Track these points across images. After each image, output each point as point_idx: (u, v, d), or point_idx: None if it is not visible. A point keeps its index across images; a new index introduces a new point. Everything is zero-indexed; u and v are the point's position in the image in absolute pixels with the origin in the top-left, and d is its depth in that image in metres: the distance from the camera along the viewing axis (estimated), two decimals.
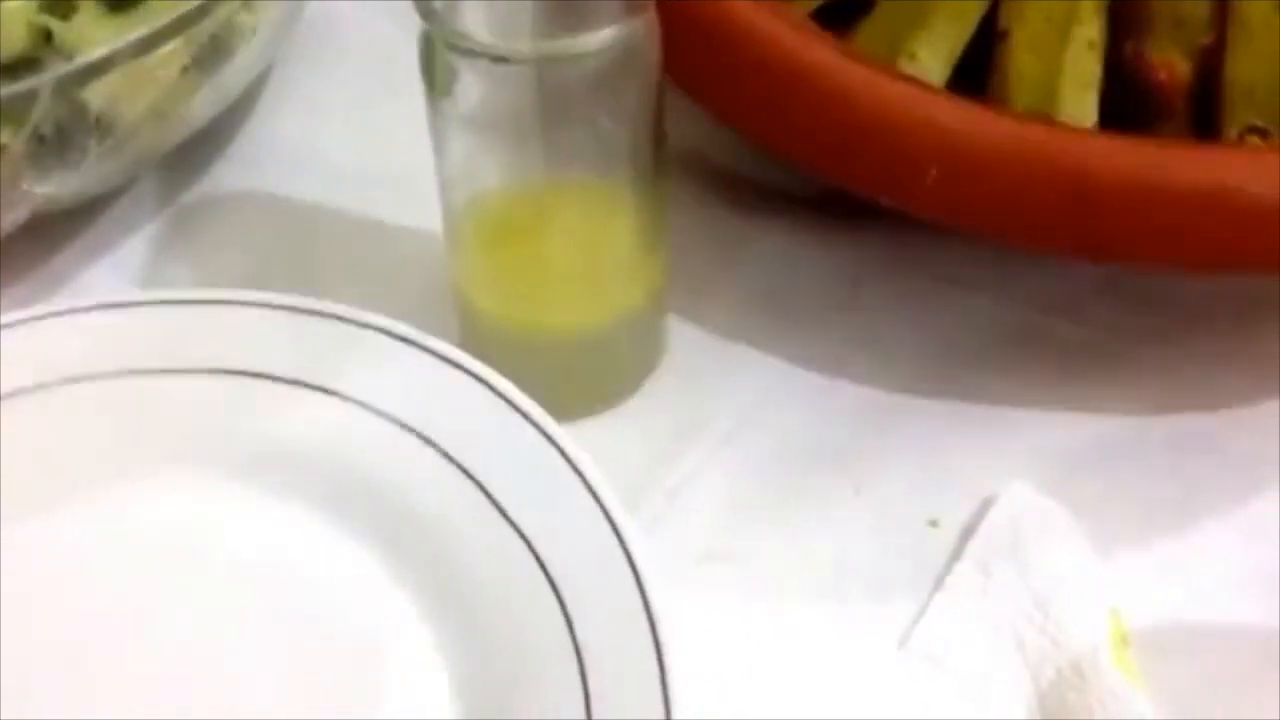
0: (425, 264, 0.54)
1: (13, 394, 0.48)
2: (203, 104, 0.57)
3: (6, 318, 0.50)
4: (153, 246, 0.59)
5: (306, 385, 0.48)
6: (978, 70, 0.54)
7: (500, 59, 0.44)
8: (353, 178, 0.60)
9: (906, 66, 0.53)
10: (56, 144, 0.51)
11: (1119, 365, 0.54)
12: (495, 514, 0.45)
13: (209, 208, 0.60)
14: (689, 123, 0.54)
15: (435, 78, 0.45)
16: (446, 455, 0.46)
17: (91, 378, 0.49)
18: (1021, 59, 0.52)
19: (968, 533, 0.49)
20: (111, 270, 0.58)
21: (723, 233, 0.58)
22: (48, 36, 0.51)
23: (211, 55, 0.54)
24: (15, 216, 0.52)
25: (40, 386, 0.49)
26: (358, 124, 0.63)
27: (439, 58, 0.45)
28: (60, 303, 0.52)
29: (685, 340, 0.55)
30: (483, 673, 0.43)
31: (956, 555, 0.48)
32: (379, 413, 0.47)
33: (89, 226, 0.59)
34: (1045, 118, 0.51)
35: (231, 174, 0.62)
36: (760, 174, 0.59)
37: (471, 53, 0.44)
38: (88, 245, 0.59)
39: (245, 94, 0.61)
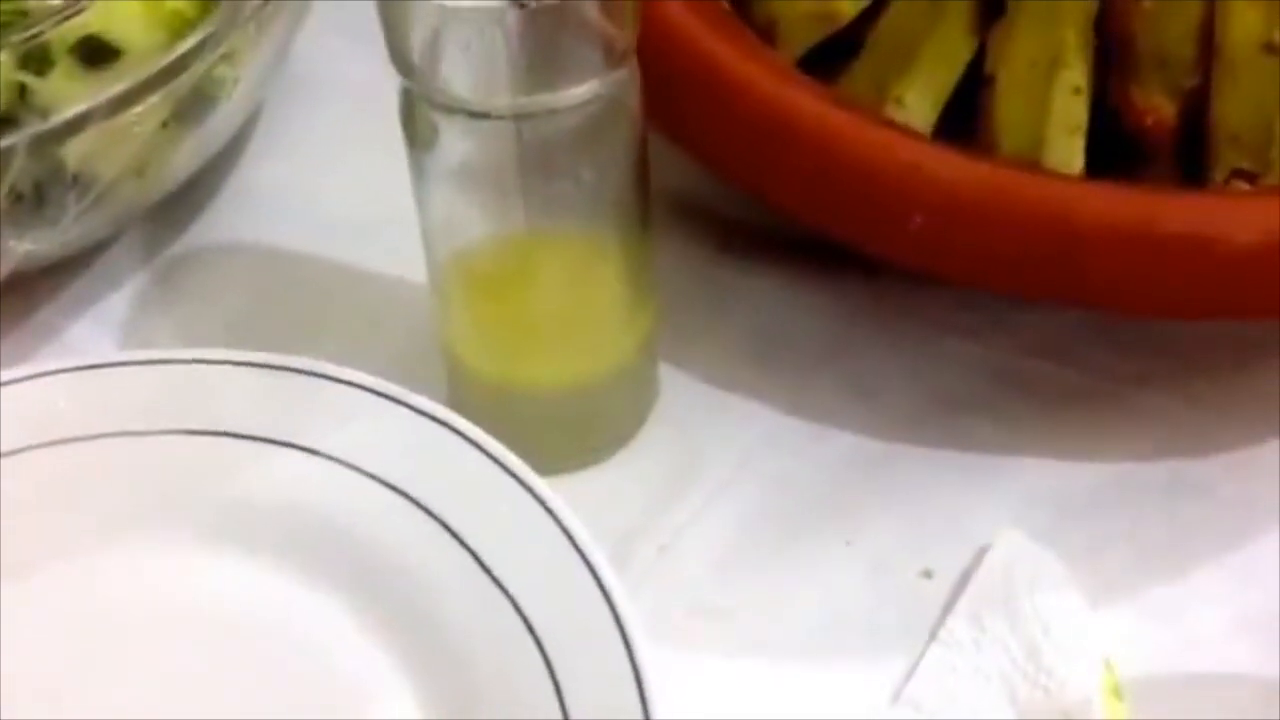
0: (414, 316, 0.53)
1: None
2: (184, 158, 0.56)
3: None
4: (137, 301, 0.58)
5: (288, 445, 0.48)
6: (966, 114, 0.53)
7: (480, 114, 0.43)
8: (340, 228, 0.60)
9: (893, 111, 0.53)
10: (35, 202, 0.51)
11: (1112, 410, 0.53)
12: (481, 573, 0.45)
13: (194, 260, 0.60)
14: (677, 168, 0.53)
15: (416, 132, 0.45)
16: (431, 514, 0.46)
17: (72, 440, 0.48)
18: (1007, 104, 0.52)
19: (961, 584, 0.48)
20: (95, 325, 0.58)
21: (712, 279, 0.58)
22: (23, 93, 0.50)
23: (192, 109, 0.54)
24: None
25: (22, 449, 0.48)
26: (345, 173, 0.63)
27: (419, 113, 0.45)
28: (40, 364, 0.51)
29: (676, 388, 0.54)
30: None
31: (949, 607, 0.48)
32: (363, 471, 0.47)
33: (73, 281, 0.59)
34: (1031, 164, 0.51)
35: (217, 225, 0.61)
36: (750, 219, 0.58)
37: (451, 108, 0.43)
38: (71, 300, 0.58)
39: (230, 144, 0.61)
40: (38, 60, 0.51)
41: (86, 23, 0.51)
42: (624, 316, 0.50)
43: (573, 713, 0.42)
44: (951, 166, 0.48)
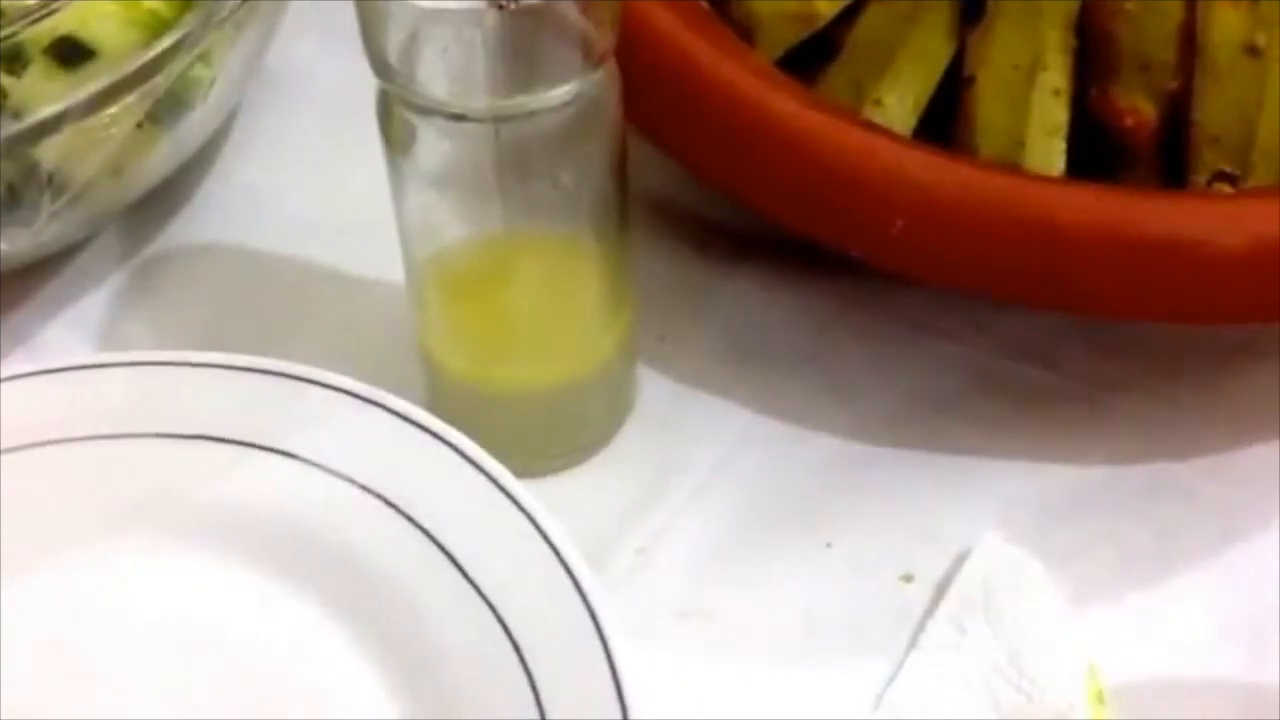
0: (392, 318, 0.53)
1: None
2: (160, 159, 0.56)
3: None
4: (113, 302, 0.58)
5: (264, 447, 0.47)
6: (945, 116, 0.53)
7: (458, 116, 0.43)
8: (318, 229, 0.60)
9: (872, 113, 0.52)
10: (8, 203, 0.50)
11: (1093, 413, 0.53)
12: (458, 576, 0.44)
13: (171, 261, 0.60)
14: (656, 169, 0.53)
15: (393, 135, 0.45)
16: (407, 517, 0.46)
17: (46, 444, 0.48)
18: (988, 106, 0.51)
19: (942, 588, 0.48)
20: (70, 327, 0.57)
21: (691, 280, 0.57)
22: None
23: (168, 109, 0.53)
24: None
25: None
26: (323, 173, 0.62)
27: (396, 115, 0.44)
28: (13, 367, 0.51)
29: (655, 390, 0.54)
30: None
31: (930, 612, 0.47)
32: (339, 474, 0.47)
33: (48, 282, 0.58)
34: (1012, 166, 0.51)
35: (194, 226, 0.61)
36: (729, 220, 0.58)
37: (428, 110, 0.43)
38: (46, 301, 0.58)
39: (207, 144, 0.61)
40: (12, 60, 0.50)
41: (61, 22, 0.51)
42: (602, 318, 0.50)
43: (550, 715, 0.41)
44: (933, 169, 0.48)
